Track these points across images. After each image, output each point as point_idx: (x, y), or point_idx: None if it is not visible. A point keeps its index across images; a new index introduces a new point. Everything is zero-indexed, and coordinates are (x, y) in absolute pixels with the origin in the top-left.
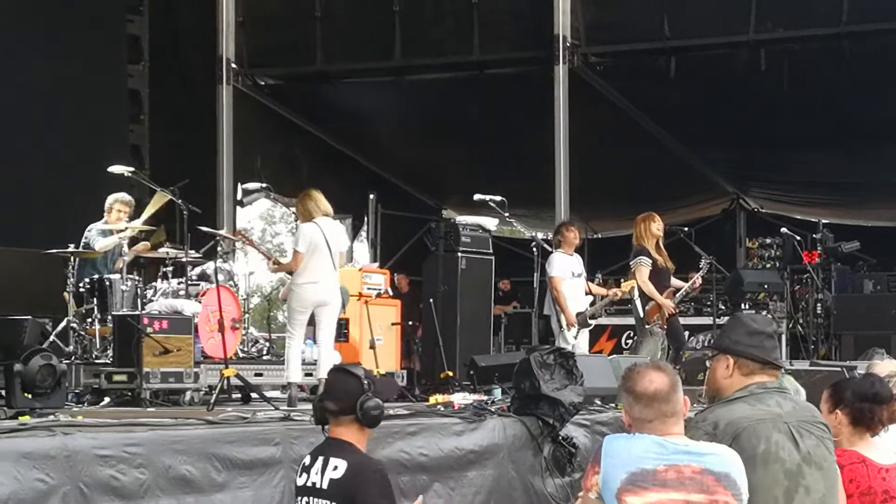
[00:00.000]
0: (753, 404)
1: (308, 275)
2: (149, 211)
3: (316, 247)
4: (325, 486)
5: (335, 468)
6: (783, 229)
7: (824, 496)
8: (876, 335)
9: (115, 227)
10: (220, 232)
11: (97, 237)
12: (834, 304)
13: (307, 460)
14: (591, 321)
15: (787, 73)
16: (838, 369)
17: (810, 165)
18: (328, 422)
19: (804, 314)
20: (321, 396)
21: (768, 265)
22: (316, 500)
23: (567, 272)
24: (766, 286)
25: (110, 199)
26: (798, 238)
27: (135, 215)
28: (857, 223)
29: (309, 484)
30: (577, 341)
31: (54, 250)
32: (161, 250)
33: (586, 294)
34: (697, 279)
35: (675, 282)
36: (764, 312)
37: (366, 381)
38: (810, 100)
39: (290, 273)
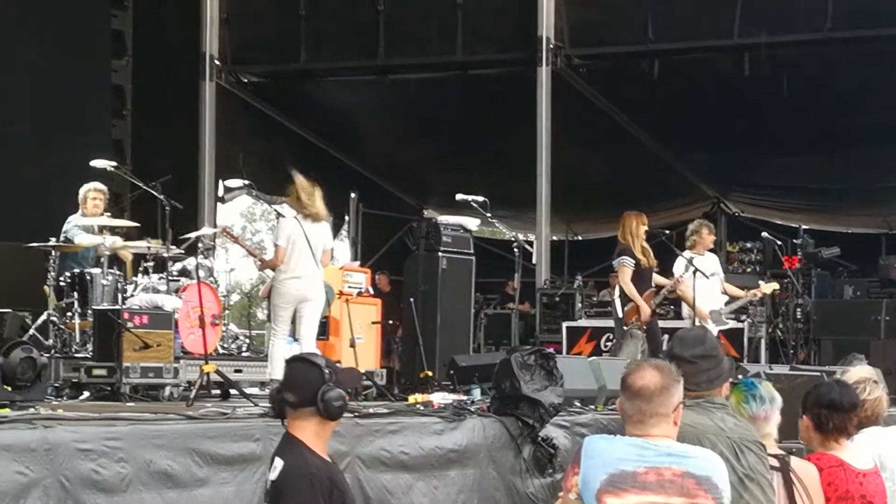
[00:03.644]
0: (700, 413)
1: (290, 271)
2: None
3: (295, 242)
4: (268, 486)
5: (275, 468)
6: (764, 234)
7: None
8: (855, 340)
9: (94, 222)
10: (205, 231)
11: (78, 231)
12: (814, 310)
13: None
14: (726, 320)
15: (771, 77)
16: (818, 374)
17: (792, 170)
18: (286, 415)
19: (784, 319)
20: (280, 387)
21: (749, 269)
22: (265, 502)
23: (691, 274)
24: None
25: (83, 189)
26: (779, 243)
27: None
28: (838, 229)
29: (267, 485)
30: None
31: (35, 243)
32: (142, 244)
33: (722, 293)
34: (679, 279)
35: (658, 279)
36: (744, 317)
37: (327, 371)
38: (793, 104)
39: (275, 269)
